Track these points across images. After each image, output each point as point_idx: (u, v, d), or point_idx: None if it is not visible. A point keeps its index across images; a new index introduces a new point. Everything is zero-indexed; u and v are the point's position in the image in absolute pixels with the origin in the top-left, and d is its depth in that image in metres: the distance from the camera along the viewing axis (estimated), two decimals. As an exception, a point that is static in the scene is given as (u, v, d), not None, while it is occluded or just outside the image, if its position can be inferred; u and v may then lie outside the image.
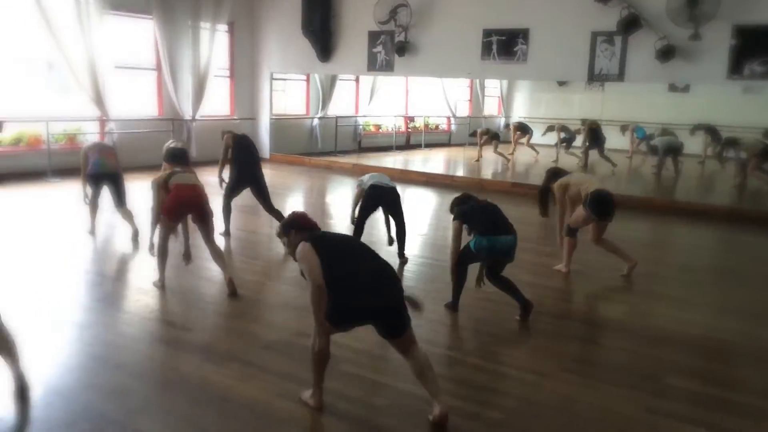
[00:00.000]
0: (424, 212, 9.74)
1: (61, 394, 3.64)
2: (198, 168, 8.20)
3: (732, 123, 12.83)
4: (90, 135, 11.45)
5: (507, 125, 16.15)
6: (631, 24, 9.69)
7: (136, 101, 12.36)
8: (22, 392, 3.51)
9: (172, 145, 7.16)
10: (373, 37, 12.41)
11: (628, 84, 10.40)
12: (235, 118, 14.05)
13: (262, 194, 7.35)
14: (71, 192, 9.57)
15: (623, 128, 14.31)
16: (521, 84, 16.63)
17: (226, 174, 7.50)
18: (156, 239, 5.59)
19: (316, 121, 15.59)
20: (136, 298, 5.43)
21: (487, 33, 11.15)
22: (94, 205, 7.20)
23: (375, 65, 12.55)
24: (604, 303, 5.95)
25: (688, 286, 6.41)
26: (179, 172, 5.64)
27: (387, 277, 3.45)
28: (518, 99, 17.26)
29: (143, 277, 5.85)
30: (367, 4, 12.10)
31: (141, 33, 12.35)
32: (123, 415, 3.44)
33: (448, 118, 18.45)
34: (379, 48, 12.39)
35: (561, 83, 13.81)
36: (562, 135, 14.49)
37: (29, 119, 10.92)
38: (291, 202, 10.12)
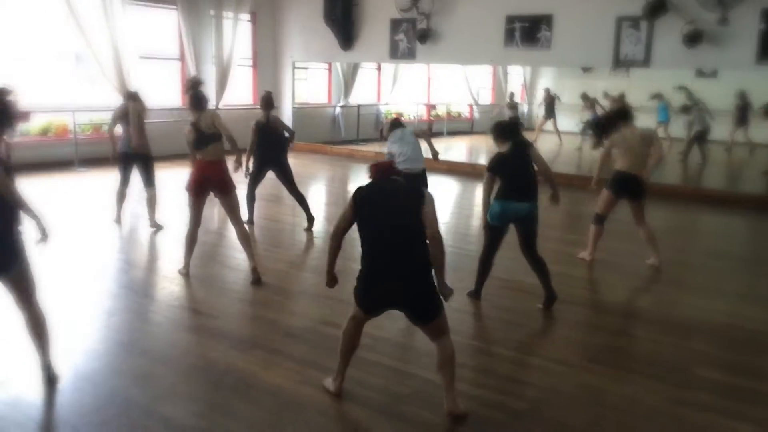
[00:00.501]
0: (446, 200, 9.71)
1: (90, 380, 3.71)
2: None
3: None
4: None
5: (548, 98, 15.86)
6: (657, 8, 9.50)
7: (160, 91, 12.44)
8: (49, 378, 3.58)
9: None
10: (395, 25, 12.35)
11: (654, 70, 10.22)
12: (258, 106, 14.06)
13: (286, 176, 7.35)
14: (98, 181, 9.71)
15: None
16: (545, 70, 16.43)
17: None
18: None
19: (338, 110, 15.59)
20: (162, 285, 5.50)
21: (510, 19, 11.02)
22: (121, 194, 7.29)
23: (397, 53, 12.49)
24: (629, 292, 5.89)
25: (716, 274, 6.31)
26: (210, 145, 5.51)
27: (411, 258, 3.30)
28: (542, 86, 17.07)
29: (169, 264, 5.92)
30: (390, -9, 12.03)
31: (165, 23, 12.42)
32: (149, 400, 3.49)
33: (470, 105, 18.33)
34: (401, 36, 12.32)
35: (585, 69, 13.62)
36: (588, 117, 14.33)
37: (56, 110, 11.06)
38: (313, 191, 10.15)
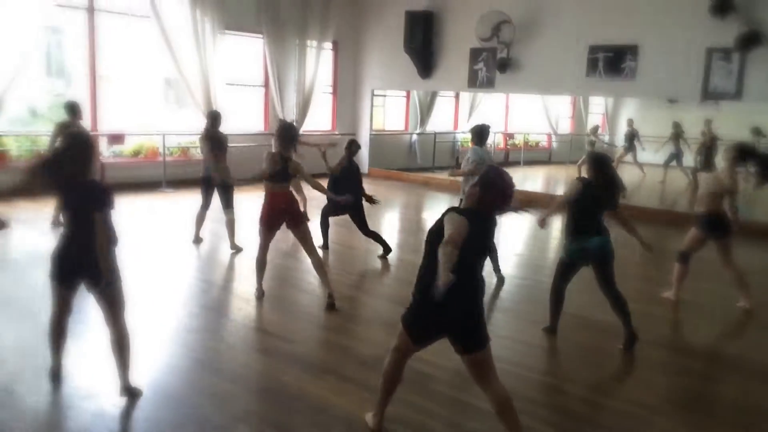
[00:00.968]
0: (521, 232, 9.56)
1: (169, 396, 3.83)
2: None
3: None
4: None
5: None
6: (750, 40, 9.14)
7: (244, 117, 12.91)
8: (129, 394, 3.73)
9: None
10: (475, 54, 12.38)
11: (746, 103, 9.80)
12: (336, 133, 14.38)
13: (360, 220, 7.38)
14: (183, 201, 10.11)
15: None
16: (628, 100, 16.04)
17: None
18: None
19: (415, 137, 15.71)
20: (238, 306, 5.65)
21: (594, 49, 10.85)
22: (201, 216, 7.57)
23: (476, 82, 12.51)
24: (717, 335, 5.60)
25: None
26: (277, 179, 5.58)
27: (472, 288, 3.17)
28: (624, 116, 16.67)
29: (246, 286, 6.07)
30: (470, 21, 12.09)
31: (251, 51, 12.92)
32: (225, 420, 3.57)
33: (549, 134, 18.08)
34: (481, 65, 12.33)
35: (671, 100, 13.21)
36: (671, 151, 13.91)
37: (147, 133, 11.65)
38: (387, 218, 10.22)
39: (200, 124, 11.78)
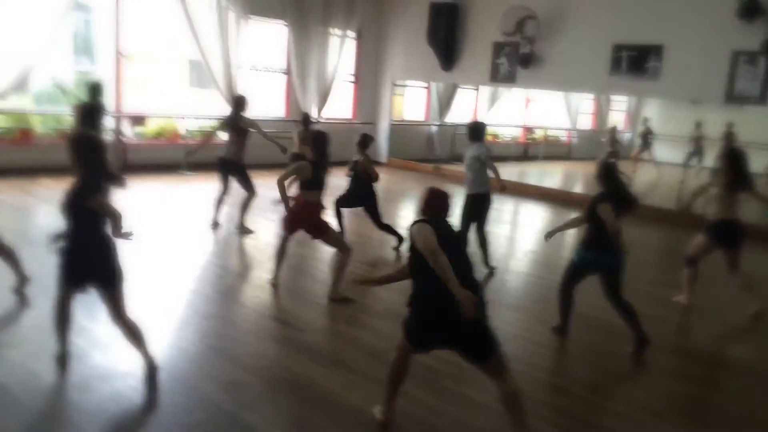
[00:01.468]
0: (536, 228, 9.57)
1: (183, 382, 3.93)
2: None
3: None
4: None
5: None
6: (777, 44, 9.03)
7: (266, 102, 12.99)
8: (151, 375, 3.83)
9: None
10: (497, 48, 12.33)
11: (770, 107, 9.69)
12: (356, 121, 14.42)
13: (373, 214, 7.44)
14: (203, 185, 10.22)
15: None
16: (651, 99, 15.90)
17: None
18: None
19: (434, 128, 15.71)
20: (254, 294, 5.75)
21: (618, 48, 10.76)
22: (219, 200, 7.69)
23: (497, 76, 12.46)
24: (728, 342, 5.62)
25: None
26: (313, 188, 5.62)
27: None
28: (647, 114, 16.55)
29: (262, 273, 6.16)
30: (494, 15, 12.03)
31: (275, 37, 12.97)
32: (236, 407, 3.66)
33: (569, 130, 17.97)
34: (503, 59, 12.28)
35: (694, 101, 13.09)
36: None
37: (169, 115, 11.77)
38: (403, 208, 10.27)
39: (222, 108, 11.92)
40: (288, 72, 13.17)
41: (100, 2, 10.83)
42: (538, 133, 17.99)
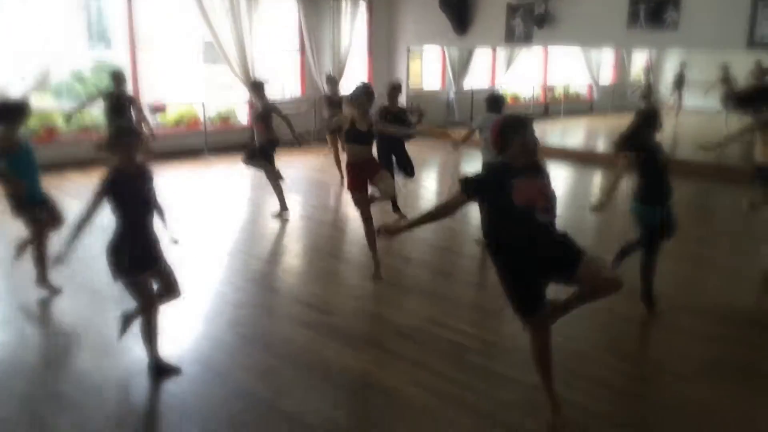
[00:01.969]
0: (559, 190, 9.50)
1: (217, 372, 4.05)
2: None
3: None
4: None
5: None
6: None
7: (282, 82, 13.00)
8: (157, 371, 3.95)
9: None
10: (512, 11, 12.11)
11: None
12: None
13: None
14: (225, 168, 10.34)
15: None
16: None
17: None
18: None
19: (452, 94, 15.58)
20: (283, 279, 5.86)
21: (634, 1, 10.51)
22: (278, 187, 7.63)
23: (513, 37, 12.27)
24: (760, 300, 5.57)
25: None
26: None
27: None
28: (668, 62, 16.20)
29: (291, 258, 6.26)
30: (506, -26, 11.81)
31: (286, 17, 12.91)
32: (272, 395, 3.78)
33: (590, 85, 17.65)
34: (518, 20, 12.08)
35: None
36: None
37: (188, 102, 11.86)
38: (426, 175, 10.26)
39: (239, 91, 11.97)
40: (302, 50, 13.12)
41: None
42: (558, 91, 17.71)
